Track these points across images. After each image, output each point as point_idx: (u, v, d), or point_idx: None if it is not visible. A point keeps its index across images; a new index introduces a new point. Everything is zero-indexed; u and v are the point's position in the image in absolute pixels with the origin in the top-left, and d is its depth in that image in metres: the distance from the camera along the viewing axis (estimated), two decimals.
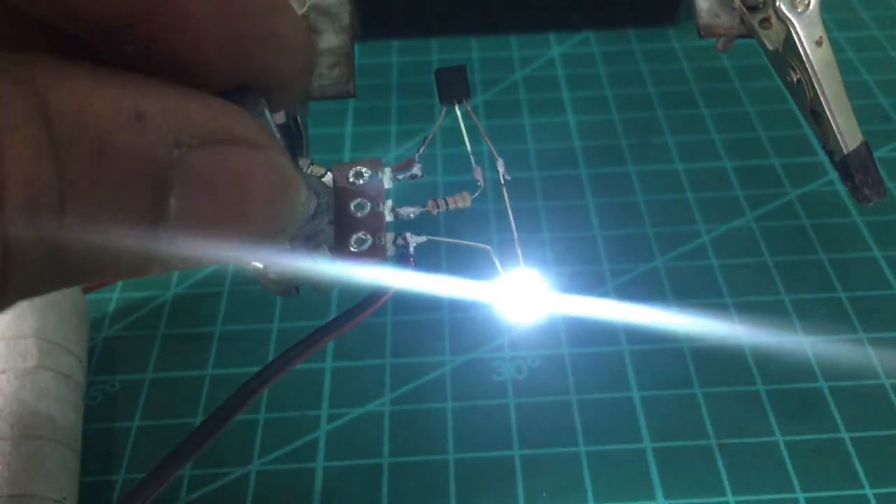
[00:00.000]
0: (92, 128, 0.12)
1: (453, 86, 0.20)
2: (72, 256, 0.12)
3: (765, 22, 0.28)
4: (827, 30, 0.26)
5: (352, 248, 0.19)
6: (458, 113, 0.21)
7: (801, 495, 0.27)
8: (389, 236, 0.19)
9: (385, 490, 0.28)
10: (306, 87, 0.17)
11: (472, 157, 0.21)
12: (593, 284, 0.34)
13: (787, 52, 0.26)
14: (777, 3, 0.26)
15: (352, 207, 0.19)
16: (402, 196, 0.21)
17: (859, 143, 0.25)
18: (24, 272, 0.12)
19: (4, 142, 0.11)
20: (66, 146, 0.11)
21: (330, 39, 0.28)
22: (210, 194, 0.13)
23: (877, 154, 0.30)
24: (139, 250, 0.13)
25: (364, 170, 0.20)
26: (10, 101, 0.11)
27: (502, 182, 0.21)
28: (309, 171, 0.19)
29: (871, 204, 0.26)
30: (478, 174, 0.20)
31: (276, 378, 0.19)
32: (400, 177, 0.20)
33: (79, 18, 0.13)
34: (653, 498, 0.27)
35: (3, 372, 0.27)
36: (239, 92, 0.15)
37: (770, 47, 0.27)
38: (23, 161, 0.11)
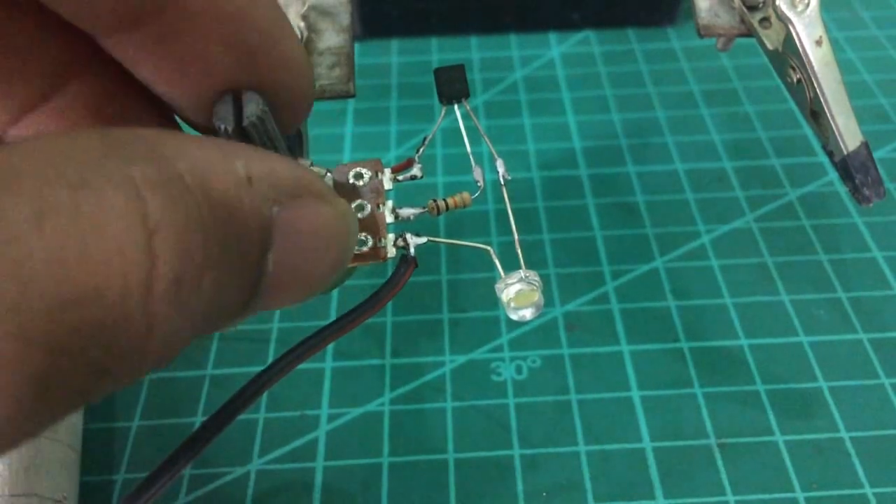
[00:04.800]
0: (220, 196, 0.12)
1: (453, 85, 0.20)
2: (196, 323, 0.12)
3: (764, 21, 0.28)
4: (827, 29, 0.26)
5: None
6: (458, 113, 0.21)
7: (801, 495, 0.27)
8: (390, 237, 0.19)
9: (385, 490, 0.28)
10: (305, 113, 0.18)
11: (471, 158, 0.21)
12: (593, 285, 0.34)
13: (787, 52, 0.26)
14: (777, 3, 0.26)
15: (352, 209, 0.19)
16: (403, 197, 0.21)
17: (859, 143, 0.25)
18: (163, 344, 0.12)
19: (158, 217, 0.11)
20: (207, 218, 0.12)
21: (330, 39, 0.28)
22: (300, 248, 0.14)
23: (877, 154, 0.30)
24: (240, 308, 0.13)
25: (364, 171, 0.20)
26: (157, 177, 0.11)
27: (502, 182, 0.21)
28: None
29: (871, 204, 0.26)
30: (477, 174, 0.20)
31: (280, 377, 0.19)
32: (400, 178, 0.20)
33: (94, 11, 0.13)
34: (653, 498, 0.27)
35: None
36: (225, 98, 0.15)
37: (770, 47, 0.27)
38: (175, 235, 0.11)
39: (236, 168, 0.13)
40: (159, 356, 0.12)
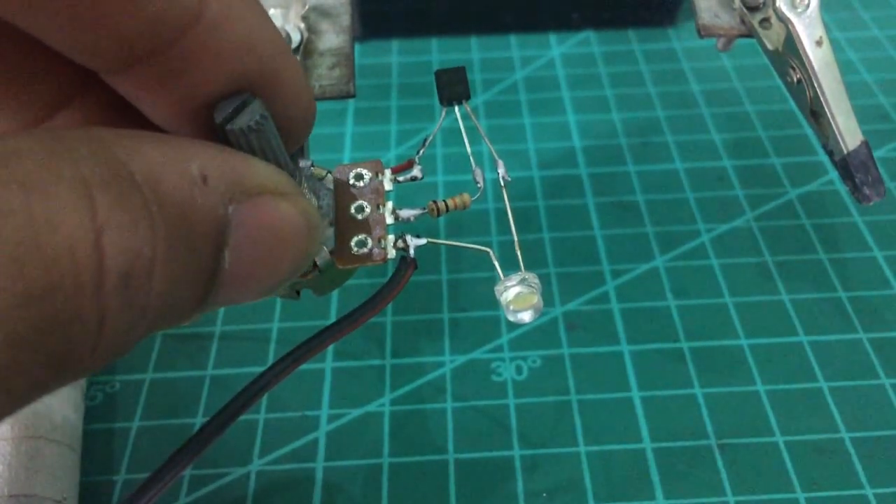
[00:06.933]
0: (172, 195, 0.12)
1: (453, 86, 0.20)
2: (150, 317, 0.13)
3: (765, 22, 0.28)
4: (827, 30, 0.26)
5: (352, 251, 0.19)
6: (458, 114, 0.21)
7: (801, 495, 0.27)
8: (390, 238, 0.19)
9: (385, 490, 0.28)
10: (304, 137, 0.18)
11: (472, 159, 0.21)
12: (593, 284, 0.34)
13: (787, 52, 0.26)
14: (777, 3, 0.27)
15: (352, 210, 0.19)
16: (403, 196, 0.21)
17: (859, 142, 0.25)
18: (115, 338, 0.12)
19: (105, 214, 0.11)
20: (156, 216, 0.12)
21: (330, 39, 0.28)
22: (256, 245, 0.14)
23: (877, 154, 0.30)
24: (195, 303, 0.14)
25: (364, 171, 0.20)
26: (107, 176, 0.12)
27: (502, 184, 0.21)
28: (309, 174, 0.19)
29: (871, 204, 0.26)
30: (478, 176, 0.20)
31: (280, 379, 0.19)
32: (400, 179, 0.20)
33: (93, 52, 0.13)
34: (653, 498, 0.27)
35: None
36: (240, 95, 0.15)
37: (770, 47, 0.27)
38: (122, 232, 0.12)
39: (190, 168, 0.13)
40: (113, 348, 0.12)
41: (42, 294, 0.11)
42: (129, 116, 0.16)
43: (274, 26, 0.15)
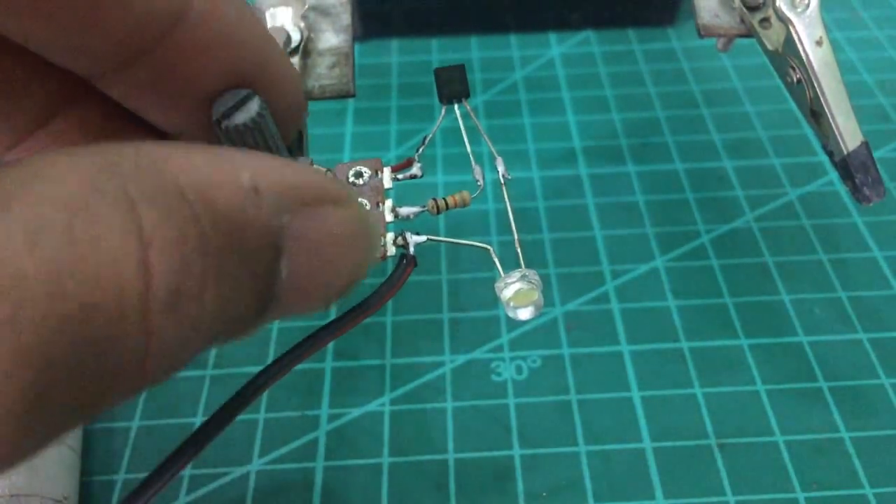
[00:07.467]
0: (223, 208, 0.12)
1: (453, 84, 0.20)
2: (203, 334, 0.12)
3: (765, 22, 0.28)
4: (827, 30, 0.26)
5: None
6: (458, 112, 0.21)
7: (801, 495, 0.27)
8: (389, 236, 0.19)
9: (385, 490, 0.28)
10: (296, 126, 0.18)
11: (471, 157, 0.21)
12: (593, 284, 0.34)
13: (787, 52, 0.26)
14: (777, 3, 0.26)
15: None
16: (402, 196, 0.21)
17: (859, 142, 0.25)
18: (164, 357, 0.11)
19: (152, 231, 0.11)
20: (208, 230, 0.12)
21: (330, 39, 0.28)
22: (314, 255, 0.14)
23: (877, 154, 0.30)
24: (252, 317, 0.13)
25: (364, 170, 0.20)
26: (153, 191, 0.11)
27: (502, 181, 0.21)
28: None
29: (871, 204, 0.26)
30: (477, 174, 0.20)
31: (279, 377, 0.19)
32: (400, 177, 0.20)
33: (82, 59, 0.13)
34: (653, 498, 0.27)
35: None
36: (238, 92, 0.15)
37: (770, 47, 0.27)
38: (170, 249, 0.11)
39: (241, 179, 0.12)
40: (163, 368, 0.12)
41: (82, 316, 0.10)
42: (123, 122, 0.16)
43: (256, 17, 0.15)
